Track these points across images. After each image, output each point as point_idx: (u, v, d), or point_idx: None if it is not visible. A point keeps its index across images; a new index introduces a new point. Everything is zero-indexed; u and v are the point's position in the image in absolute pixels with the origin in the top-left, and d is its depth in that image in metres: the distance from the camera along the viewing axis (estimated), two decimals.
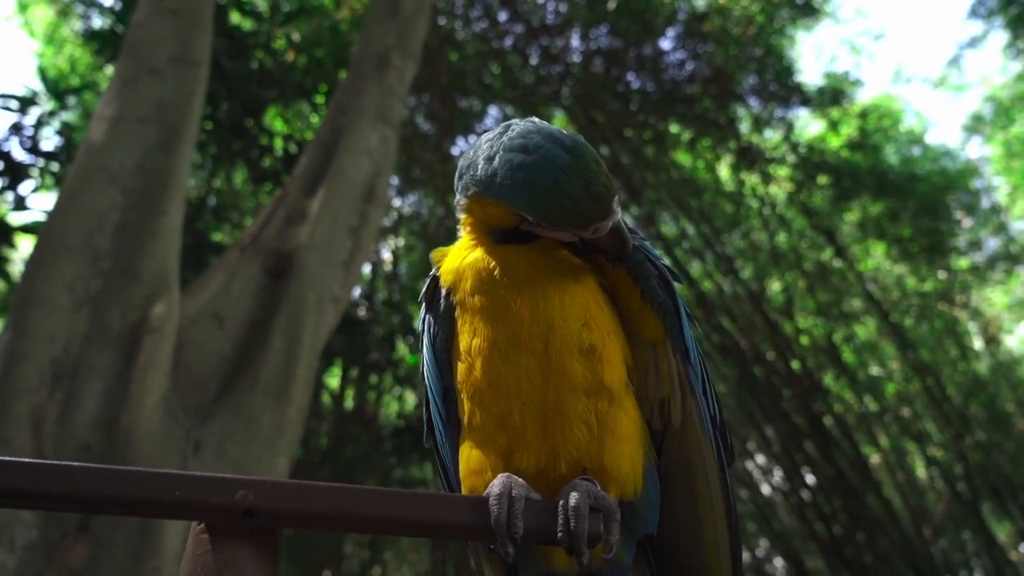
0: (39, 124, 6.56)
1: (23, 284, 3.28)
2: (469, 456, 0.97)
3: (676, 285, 1.02)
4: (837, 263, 10.31)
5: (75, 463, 0.74)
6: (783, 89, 9.92)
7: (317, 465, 7.97)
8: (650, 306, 1.00)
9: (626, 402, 0.96)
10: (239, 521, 0.74)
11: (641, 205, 10.51)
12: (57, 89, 6.87)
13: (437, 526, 0.80)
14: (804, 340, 10.54)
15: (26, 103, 6.55)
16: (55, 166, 6.51)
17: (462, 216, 1.03)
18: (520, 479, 0.90)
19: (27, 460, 0.71)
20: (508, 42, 10.29)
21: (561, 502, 0.86)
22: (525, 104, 10.52)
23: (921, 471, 10.65)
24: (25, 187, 6.50)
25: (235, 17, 7.67)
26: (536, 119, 0.98)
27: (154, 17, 4.32)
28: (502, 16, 10.22)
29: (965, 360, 10.72)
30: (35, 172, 6.57)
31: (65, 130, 6.85)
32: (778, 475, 10.65)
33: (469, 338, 0.97)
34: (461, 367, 0.98)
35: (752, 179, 10.35)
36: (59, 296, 3.24)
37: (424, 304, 1.07)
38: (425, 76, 9.40)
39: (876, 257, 10.87)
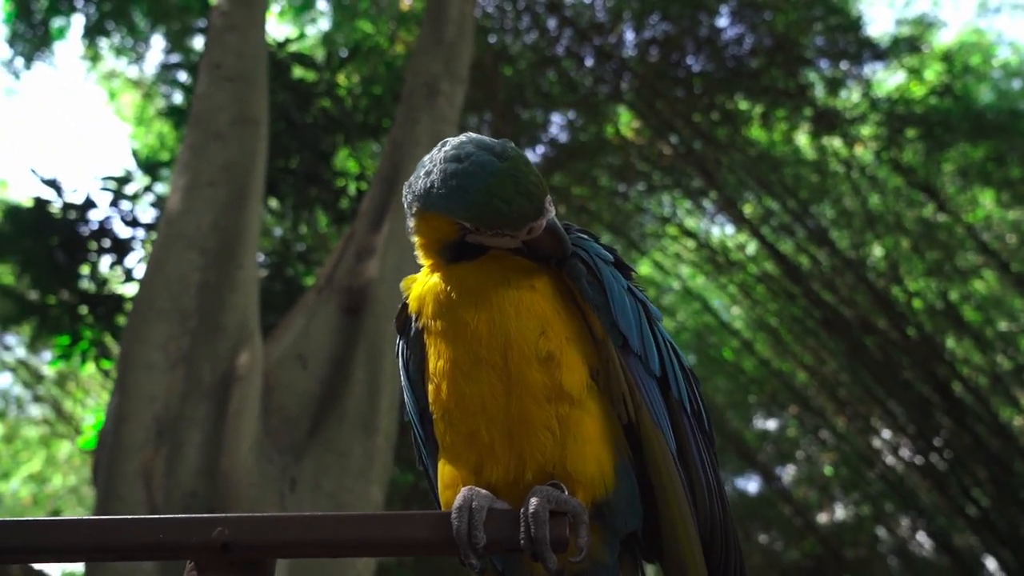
0: (135, 199, 7.09)
1: (123, 350, 3.55)
2: (443, 472, 0.99)
3: (610, 276, 1.01)
4: (942, 217, 9.64)
5: (83, 517, 0.80)
6: (853, 45, 9.42)
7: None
8: (588, 304, 1.00)
9: (589, 403, 0.96)
10: (220, 556, 0.78)
11: (720, 189, 10.22)
12: (148, 165, 7.41)
13: (404, 544, 0.82)
14: (917, 304, 9.90)
15: (122, 182, 7.11)
16: (155, 236, 7.04)
17: (415, 239, 1.06)
18: (483, 491, 0.91)
19: (18, 520, 0.78)
20: (560, 48, 10.29)
21: (523, 510, 0.86)
22: (587, 106, 10.48)
23: None
24: (131, 260, 7.04)
25: (297, 71, 8.05)
26: (471, 133, 1.00)
27: (213, 86, 4.61)
28: (551, 23, 10.23)
29: None
30: (138, 245, 7.10)
31: (159, 202, 7.38)
32: (908, 449, 10.01)
33: (435, 360, 1.00)
34: (431, 389, 1.01)
35: (834, 144, 9.85)
36: (155, 357, 3.48)
37: (397, 331, 1.10)
38: (483, 95, 9.53)
39: (985, 205, 10.08)
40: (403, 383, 1.09)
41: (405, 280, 1.09)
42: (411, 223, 1.05)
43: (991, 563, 10.02)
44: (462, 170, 0.93)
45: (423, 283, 1.05)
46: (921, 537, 11.64)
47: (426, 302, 1.02)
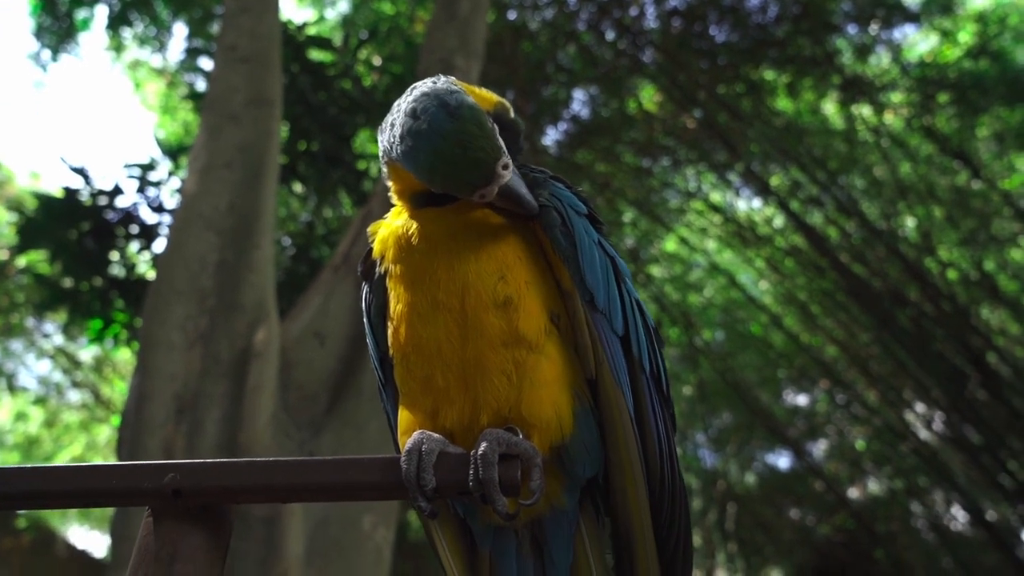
0: (160, 185, 7.21)
1: (144, 330, 3.63)
2: (402, 418, 1.00)
3: (582, 230, 1.00)
4: (976, 185, 9.36)
5: (24, 466, 0.82)
6: (883, 8, 9.14)
7: None
8: (558, 255, 0.98)
9: (548, 348, 0.95)
10: (171, 502, 0.79)
11: (746, 162, 10.04)
12: (171, 151, 7.52)
13: (353, 488, 0.82)
14: (951, 274, 9.65)
15: (147, 168, 7.23)
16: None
17: (388, 183, 1.07)
18: (436, 435, 0.91)
19: None
20: (580, 23, 10.15)
21: (473, 452, 0.86)
22: (608, 81, 10.34)
23: None
24: (158, 245, 7.17)
25: (314, 53, 8.07)
26: (442, 77, 0.99)
27: (228, 68, 4.64)
28: None
29: None
30: (164, 230, 7.23)
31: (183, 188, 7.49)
32: (941, 422, 9.82)
33: (395, 304, 1.00)
34: (390, 333, 1.01)
35: (863, 112, 9.60)
36: (175, 337, 3.55)
37: (361, 274, 1.10)
38: (504, 72, 9.46)
39: (1023, 171, 9.76)
40: (365, 327, 1.09)
41: (372, 225, 1.09)
42: (384, 169, 1.06)
43: None
44: (415, 129, 0.92)
45: (388, 227, 1.05)
46: (955, 511, 11.45)
47: (389, 246, 1.02)
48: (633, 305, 1.04)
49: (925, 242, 9.60)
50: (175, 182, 7.44)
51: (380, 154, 1.05)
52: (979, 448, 9.17)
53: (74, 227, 6.93)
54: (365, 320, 1.09)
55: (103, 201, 7.05)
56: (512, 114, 1.01)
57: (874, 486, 12.60)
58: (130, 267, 7.26)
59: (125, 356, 10.23)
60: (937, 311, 9.28)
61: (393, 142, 0.96)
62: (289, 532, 3.10)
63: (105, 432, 12.97)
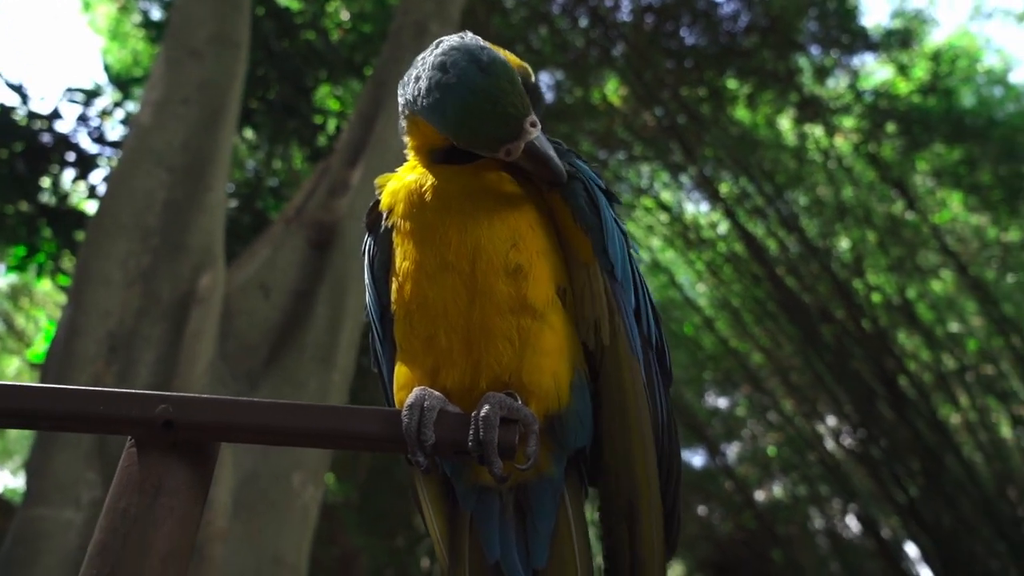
0: (104, 115, 6.87)
1: (80, 263, 3.48)
2: (399, 373, 1.00)
3: (604, 203, 1.01)
4: (909, 215, 9.82)
5: (21, 383, 0.80)
6: (847, 35, 9.43)
7: None
8: (579, 226, 0.99)
9: (552, 318, 0.96)
10: (160, 434, 0.78)
11: (699, 166, 10.25)
12: (120, 80, 7.17)
13: (351, 437, 0.83)
14: (876, 297, 10.12)
15: (91, 95, 6.87)
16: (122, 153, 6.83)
17: (406, 138, 1.05)
18: (437, 392, 0.91)
19: None
20: (556, 6, 10.12)
21: (474, 413, 0.87)
22: (576, 68, 10.36)
23: (1007, 431, 10.13)
24: (96, 176, 6.85)
25: None
26: (468, 33, 0.98)
27: (194, 0, 4.45)
28: None
29: None
30: (103, 161, 6.90)
31: (130, 120, 7.15)
32: (850, 436, 10.33)
33: (401, 260, 0.99)
34: (394, 289, 1.00)
35: (815, 132, 9.92)
36: (113, 272, 3.42)
37: (366, 227, 1.09)
38: None
39: (953, 208, 10.29)
40: (366, 280, 1.08)
41: (380, 177, 1.08)
42: (402, 123, 1.04)
43: (911, 549, 10.48)
44: (444, 82, 0.91)
45: (399, 181, 1.04)
46: (850, 520, 12.10)
47: (399, 200, 1.01)
48: (642, 281, 1.07)
49: (856, 264, 10.03)
50: (120, 113, 7.11)
51: (400, 107, 1.03)
52: (879, 463, 9.70)
53: (5, 147, 6.54)
54: (367, 273, 1.08)
55: (40, 124, 6.66)
56: (533, 79, 1.01)
57: (779, 490, 13.19)
58: (62, 196, 6.90)
59: (46, 288, 9.76)
60: (858, 331, 9.73)
61: (418, 95, 0.94)
62: (218, 482, 3.04)
63: (15, 364, 12.38)
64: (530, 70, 1.02)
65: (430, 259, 0.96)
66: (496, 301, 0.94)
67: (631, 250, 1.06)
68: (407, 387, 0.95)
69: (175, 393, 0.81)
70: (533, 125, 0.94)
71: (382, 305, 1.05)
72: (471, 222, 0.95)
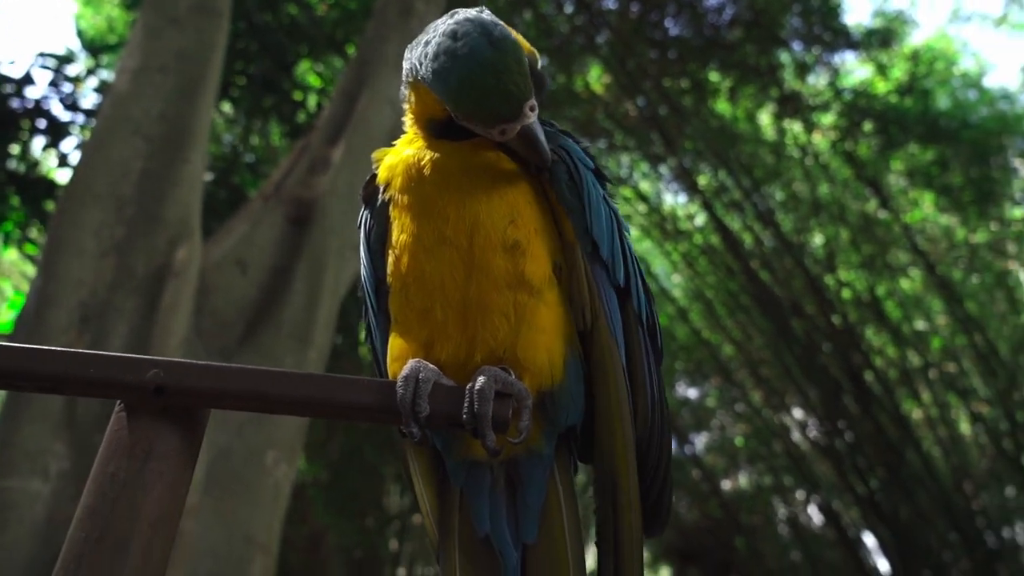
0: (76, 81, 6.71)
1: (52, 232, 3.41)
2: (393, 345, 1.00)
3: (589, 184, 1.02)
4: (882, 214, 9.99)
5: (10, 344, 0.78)
6: (829, 32, 9.51)
7: None
8: (562, 207, 1.00)
9: (548, 295, 0.97)
10: (151, 399, 0.77)
11: (678, 156, 10.30)
12: (94, 47, 7.00)
13: (345, 407, 0.83)
14: (846, 294, 10.30)
15: (64, 61, 6.70)
16: (94, 123, 6.67)
17: (406, 107, 1.05)
18: (432, 365, 0.92)
19: None
20: None
21: (469, 386, 0.88)
22: (560, 54, 10.32)
23: (966, 427, 10.40)
24: (67, 144, 6.69)
25: None
26: (485, 9, 0.98)
27: None
28: None
29: (1016, 314, 10.34)
30: (76, 129, 6.74)
31: (103, 87, 6.99)
32: (815, 429, 10.54)
33: (398, 234, 0.99)
34: (391, 261, 1.00)
35: (794, 128, 10.02)
36: (86, 243, 3.35)
37: (363, 200, 1.09)
38: None
39: (924, 208, 10.48)
40: (362, 252, 1.08)
41: (377, 151, 1.07)
42: (404, 89, 1.04)
43: (869, 538, 10.75)
44: (452, 50, 0.90)
45: (397, 154, 1.04)
46: (812, 510, 12.37)
47: (396, 173, 1.01)
48: (633, 259, 1.08)
49: (828, 260, 10.19)
50: (93, 81, 6.94)
51: (404, 73, 1.02)
52: (842, 455, 9.92)
53: None
54: (363, 246, 1.08)
55: (9, 89, 6.49)
56: (540, 66, 1.01)
57: (744, 480, 13.43)
58: (32, 164, 6.74)
59: (12, 257, 9.54)
60: (828, 326, 9.90)
61: (423, 60, 0.94)
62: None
63: None
64: (537, 56, 1.02)
65: (428, 233, 0.96)
66: (493, 276, 0.94)
67: (622, 230, 1.07)
68: (401, 359, 0.96)
69: (166, 358, 0.80)
70: (532, 109, 0.94)
71: (377, 278, 1.06)
72: (470, 198, 0.96)
